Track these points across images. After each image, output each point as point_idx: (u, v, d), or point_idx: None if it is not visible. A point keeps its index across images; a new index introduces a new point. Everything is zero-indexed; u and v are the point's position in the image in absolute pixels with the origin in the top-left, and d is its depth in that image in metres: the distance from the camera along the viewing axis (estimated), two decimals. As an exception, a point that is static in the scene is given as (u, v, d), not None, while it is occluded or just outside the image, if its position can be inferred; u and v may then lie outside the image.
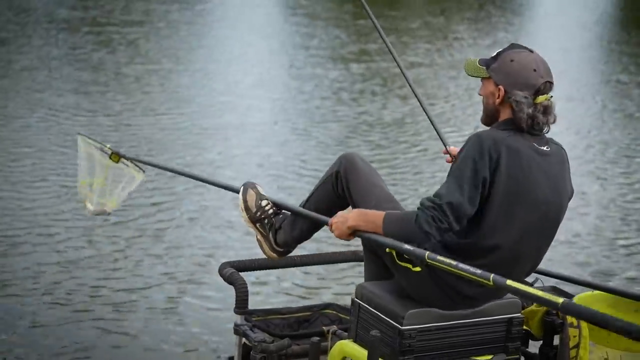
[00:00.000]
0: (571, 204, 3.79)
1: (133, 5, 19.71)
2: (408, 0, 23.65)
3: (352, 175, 3.89)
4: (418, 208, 3.45)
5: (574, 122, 11.75)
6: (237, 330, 4.01)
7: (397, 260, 3.64)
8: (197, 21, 18.98)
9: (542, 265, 3.93)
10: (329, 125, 11.20)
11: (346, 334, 3.95)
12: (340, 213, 3.74)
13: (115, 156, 4.78)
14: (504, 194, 3.46)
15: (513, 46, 3.64)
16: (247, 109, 11.81)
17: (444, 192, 3.42)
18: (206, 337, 5.83)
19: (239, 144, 10.28)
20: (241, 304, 4.00)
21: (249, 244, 6.85)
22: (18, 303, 6.19)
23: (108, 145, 4.84)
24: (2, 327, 5.86)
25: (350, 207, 3.88)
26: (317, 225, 4.01)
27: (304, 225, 4.00)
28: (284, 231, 4.03)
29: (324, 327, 4.21)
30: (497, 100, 3.58)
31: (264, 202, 4.01)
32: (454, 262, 3.34)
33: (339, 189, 3.94)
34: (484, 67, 3.62)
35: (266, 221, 4.02)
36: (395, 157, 10.05)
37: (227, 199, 8.00)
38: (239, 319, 4.03)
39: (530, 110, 3.50)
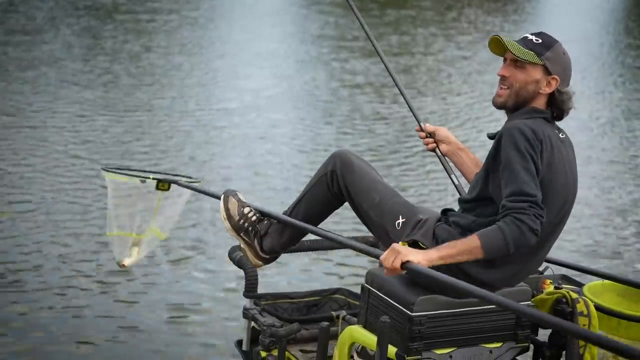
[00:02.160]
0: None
1: None
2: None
3: (350, 173, 3.82)
4: (510, 214, 3.34)
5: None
6: (246, 314, 4.01)
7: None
8: (227, 10, 18.97)
9: (552, 255, 3.92)
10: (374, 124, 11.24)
11: (355, 319, 3.94)
12: (402, 247, 3.44)
13: (165, 184, 4.24)
14: (542, 181, 3.46)
15: (548, 36, 3.65)
16: (286, 111, 11.74)
17: (528, 189, 3.37)
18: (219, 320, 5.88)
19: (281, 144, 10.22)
20: (250, 288, 3.99)
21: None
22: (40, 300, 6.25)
23: (152, 176, 4.28)
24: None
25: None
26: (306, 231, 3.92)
27: (293, 231, 3.91)
28: (271, 237, 3.94)
29: (333, 312, 4.21)
30: (546, 90, 3.60)
31: (246, 210, 3.92)
32: None
33: (335, 188, 3.86)
34: (533, 53, 3.59)
35: (250, 229, 3.92)
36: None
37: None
38: (248, 302, 4.02)
39: (571, 103, 3.63)
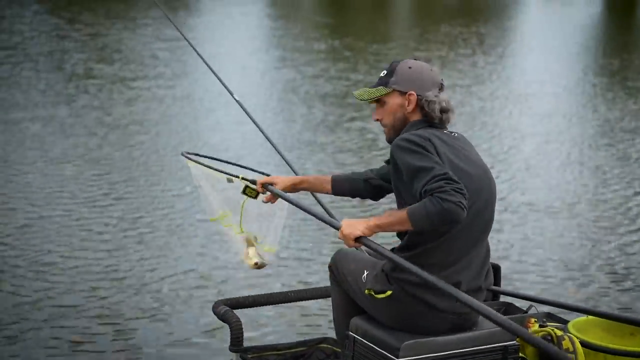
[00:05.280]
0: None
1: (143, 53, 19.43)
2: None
3: (341, 258, 3.92)
4: (430, 193, 3.39)
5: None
6: (233, 369, 4.00)
7: (374, 294, 3.69)
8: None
9: (534, 293, 3.93)
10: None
11: (343, 368, 3.94)
12: (347, 225, 3.63)
13: (252, 191, 4.08)
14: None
15: (392, 63, 3.84)
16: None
17: (437, 171, 3.44)
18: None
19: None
20: (236, 341, 3.98)
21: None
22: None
23: (241, 176, 4.14)
24: None
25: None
26: None
27: None
28: None
29: (320, 362, 4.21)
30: (410, 107, 3.75)
31: None
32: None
33: (340, 280, 3.93)
34: (382, 87, 3.79)
35: None
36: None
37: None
38: (234, 357, 4.01)
39: (443, 105, 3.71)
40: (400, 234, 3.72)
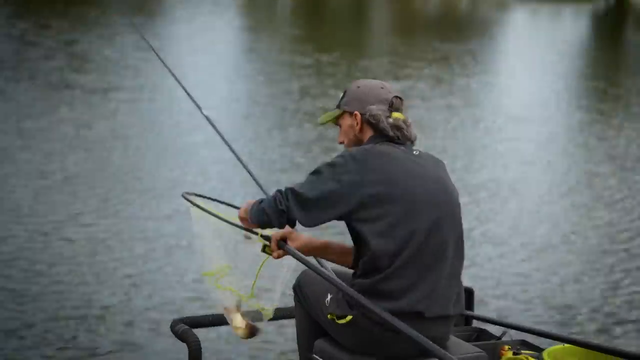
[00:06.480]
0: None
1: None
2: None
3: (306, 282, 3.80)
4: (280, 192, 3.57)
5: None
6: (190, 391, 3.83)
7: (335, 319, 3.59)
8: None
9: (513, 320, 3.80)
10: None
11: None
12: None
13: (270, 248, 3.68)
14: (389, 196, 3.48)
15: (354, 81, 3.83)
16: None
17: (295, 186, 3.54)
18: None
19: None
20: (194, 362, 3.82)
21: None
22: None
23: (260, 233, 3.69)
24: None
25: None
26: None
27: None
28: None
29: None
30: (358, 127, 3.72)
31: None
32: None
33: (304, 302, 3.83)
34: (336, 108, 3.78)
35: None
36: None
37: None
38: (192, 378, 3.84)
39: (391, 120, 3.64)
40: (354, 260, 3.63)
